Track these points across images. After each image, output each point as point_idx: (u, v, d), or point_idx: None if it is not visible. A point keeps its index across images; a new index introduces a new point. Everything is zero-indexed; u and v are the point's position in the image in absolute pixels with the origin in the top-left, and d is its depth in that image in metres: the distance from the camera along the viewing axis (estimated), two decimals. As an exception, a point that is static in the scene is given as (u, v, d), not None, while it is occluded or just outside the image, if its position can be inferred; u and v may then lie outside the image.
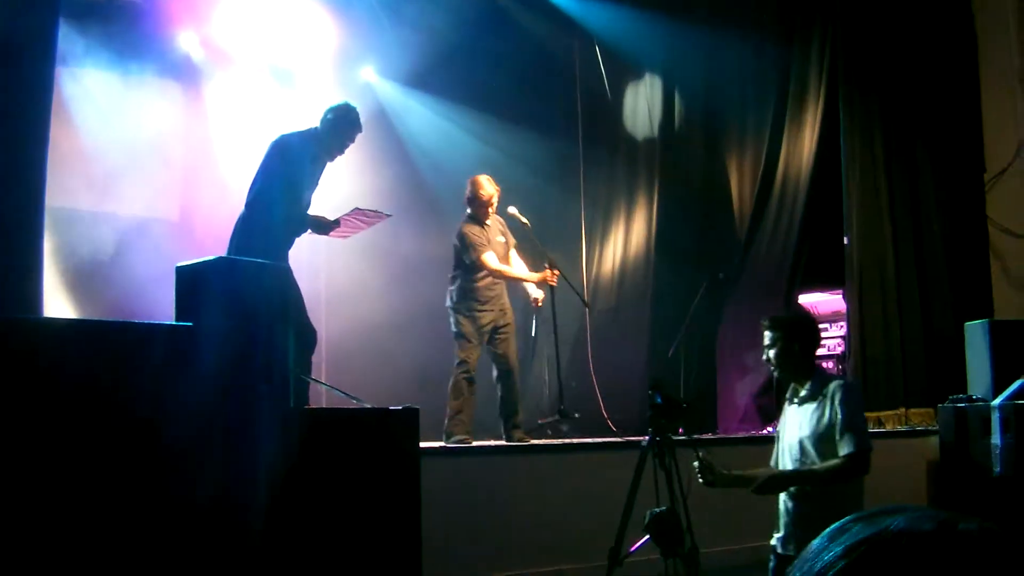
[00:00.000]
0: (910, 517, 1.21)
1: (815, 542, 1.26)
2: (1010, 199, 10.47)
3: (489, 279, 9.47)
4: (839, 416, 5.40)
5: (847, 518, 1.26)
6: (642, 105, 12.79)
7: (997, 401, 8.21)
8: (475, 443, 9.03)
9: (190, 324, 5.17)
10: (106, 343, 4.98)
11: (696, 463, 5.56)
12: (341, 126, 8.12)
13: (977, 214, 10.51)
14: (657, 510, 5.84)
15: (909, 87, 10.62)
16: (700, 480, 5.58)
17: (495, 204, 9.55)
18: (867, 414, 9.63)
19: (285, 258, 7.88)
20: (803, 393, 5.53)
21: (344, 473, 5.62)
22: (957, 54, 10.71)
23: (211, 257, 5.52)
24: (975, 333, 8.87)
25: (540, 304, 9.72)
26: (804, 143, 11.28)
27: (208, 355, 5.07)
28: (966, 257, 10.33)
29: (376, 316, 10.87)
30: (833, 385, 5.50)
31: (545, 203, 12.91)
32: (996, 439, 8.08)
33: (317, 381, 8.31)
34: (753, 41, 11.85)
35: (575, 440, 9.39)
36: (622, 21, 12.51)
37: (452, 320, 9.42)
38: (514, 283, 9.67)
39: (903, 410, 9.65)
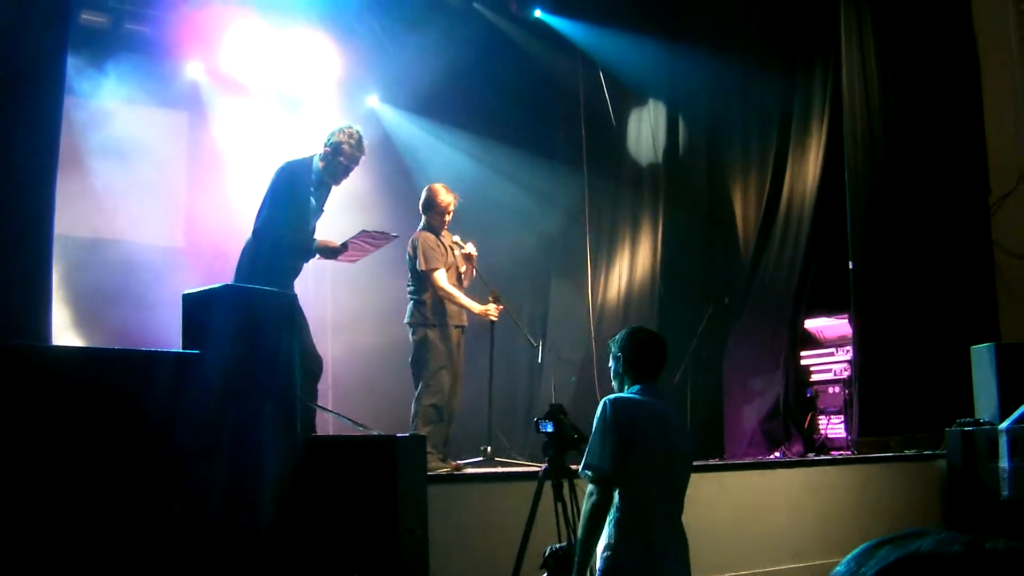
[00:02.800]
0: (937, 540, 1.21)
1: (839, 567, 1.25)
2: (1015, 222, 10.47)
3: (456, 288, 9.32)
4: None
5: (871, 542, 1.26)
6: (646, 131, 12.82)
7: (1004, 424, 8.21)
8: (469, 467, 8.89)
9: (197, 351, 5.19)
10: (114, 370, 4.99)
11: None
12: (345, 150, 8.11)
13: (982, 237, 10.51)
14: (556, 546, 5.70)
15: (912, 111, 10.63)
16: None
17: (451, 212, 9.39)
18: (874, 438, 9.75)
19: (291, 285, 7.89)
20: None
21: (350, 501, 5.61)
22: (960, 78, 10.73)
23: (218, 284, 5.53)
24: (981, 356, 8.87)
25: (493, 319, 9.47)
26: (808, 168, 11.29)
27: (214, 382, 5.08)
28: (971, 280, 10.33)
29: (383, 343, 10.87)
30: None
31: (550, 229, 12.96)
32: (1004, 463, 8.07)
33: (324, 408, 8.31)
34: (756, 67, 11.87)
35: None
36: (626, 48, 12.57)
37: (417, 338, 9.14)
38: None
39: (910, 434, 9.63)
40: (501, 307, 9.33)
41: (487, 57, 12.91)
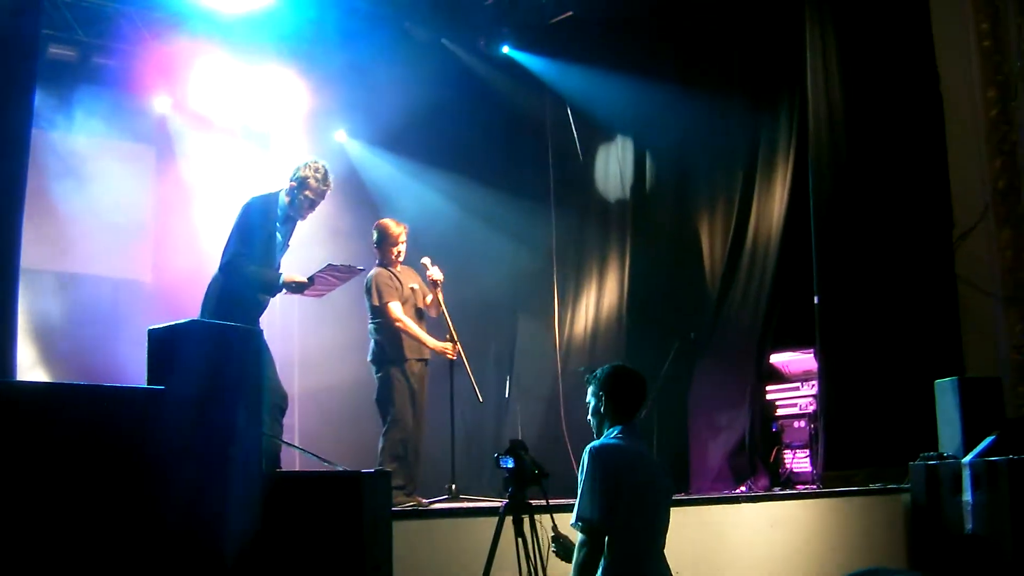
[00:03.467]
0: None
1: None
2: (979, 256, 10.54)
3: (418, 324, 9.31)
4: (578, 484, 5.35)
5: None
6: (613, 166, 12.89)
7: (968, 458, 8.25)
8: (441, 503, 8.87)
9: (162, 388, 5.16)
10: (78, 406, 4.95)
11: (552, 534, 5.57)
12: (311, 184, 8.10)
13: (946, 271, 10.57)
14: None
15: (877, 147, 10.70)
16: (553, 551, 5.59)
17: (403, 242, 9.39)
18: (839, 472, 9.78)
19: (257, 320, 7.88)
20: None
21: (315, 536, 5.59)
22: (924, 115, 10.81)
23: (184, 320, 5.51)
24: (945, 390, 8.91)
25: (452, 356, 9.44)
26: (774, 203, 11.35)
27: (179, 419, 5.06)
28: (936, 314, 10.37)
29: (349, 379, 10.85)
30: (584, 450, 5.41)
31: (517, 263, 12.99)
32: (968, 496, 8.11)
33: (290, 444, 8.29)
34: (723, 103, 11.95)
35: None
36: (593, 84, 12.66)
37: (380, 375, 9.17)
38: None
39: (875, 468, 9.66)
40: (458, 347, 9.34)
41: (455, 93, 12.96)
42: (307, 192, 8.09)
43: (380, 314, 9.14)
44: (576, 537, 5.37)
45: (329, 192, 8.28)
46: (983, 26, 10.84)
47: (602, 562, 5.21)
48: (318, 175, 8.14)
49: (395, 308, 9.12)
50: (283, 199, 8.11)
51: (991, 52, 10.79)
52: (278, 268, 8.07)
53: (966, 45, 10.90)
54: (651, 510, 5.41)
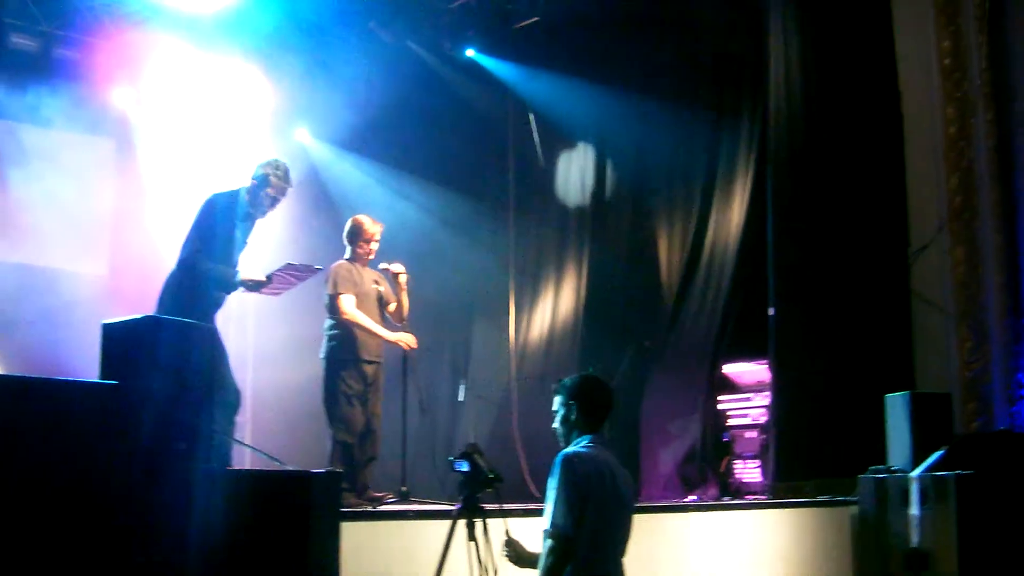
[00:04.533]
0: None
1: None
2: (933, 272, 10.64)
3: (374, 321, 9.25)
4: (549, 491, 5.38)
5: None
6: (574, 173, 12.92)
7: (916, 472, 8.31)
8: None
9: (115, 382, 5.15)
10: (29, 399, 4.94)
11: (504, 538, 5.60)
12: (272, 182, 8.07)
13: (901, 287, 10.67)
14: None
15: (836, 162, 10.77)
16: (505, 555, 5.62)
17: (376, 242, 9.38)
18: (789, 483, 9.83)
19: (213, 317, 7.84)
20: None
21: (264, 536, 5.58)
22: (884, 131, 10.90)
23: (139, 315, 5.50)
24: (896, 405, 8.98)
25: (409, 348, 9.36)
26: (732, 215, 11.41)
27: (132, 414, 5.05)
28: (889, 329, 10.45)
29: (303, 377, 10.78)
30: (557, 458, 5.42)
31: (475, 268, 13.00)
32: (915, 510, 8.18)
33: (240, 442, 8.26)
34: (685, 114, 12.01)
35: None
36: (556, 90, 12.68)
37: (329, 373, 9.05)
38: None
39: (824, 479, 9.72)
40: (414, 346, 9.27)
41: (419, 95, 12.96)
42: (268, 190, 8.06)
43: (334, 308, 9.08)
44: (542, 543, 5.38)
45: (290, 190, 8.26)
46: (944, 44, 10.94)
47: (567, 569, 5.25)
48: (279, 172, 8.12)
49: (346, 300, 8.99)
50: (244, 197, 8.07)
51: (951, 70, 10.89)
52: (236, 266, 8.04)
53: (927, 63, 11.00)
54: (616, 519, 5.44)
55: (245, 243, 8.17)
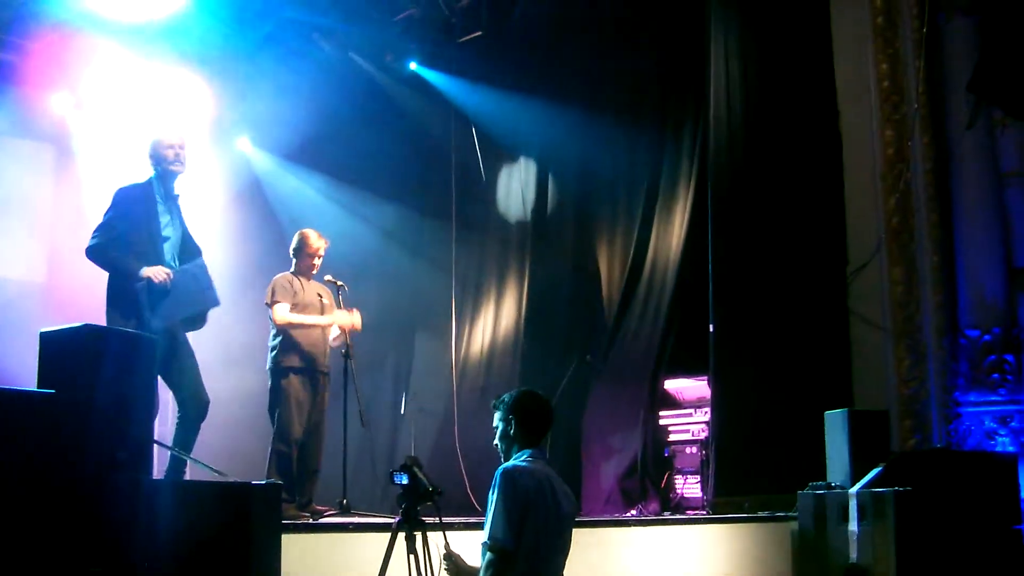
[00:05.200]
0: None
1: None
2: (871, 291, 10.75)
3: (317, 333, 9.24)
4: (489, 504, 5.42)
5: None
6: (516, 187, 12.92)
7: (855, 489, 8.37)
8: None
9: (51, 391, 5.08)
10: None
11: (443, 551, 5.60)
12: (161, 143, 8.06)
13: (839, 305, 10.76)
14: None
15: (776, 180, 10.85)
16: (444, 568, 5.62)
17: (320, 257, 9.36)
18: (729, 498, 9.88)
19: (146, 310, 7.71)
20: None
21: (204, 547, 5.52)
22: (824, 150, 11.01)
23: (77, 324, 5.43)
24: (835, 422, 9.05)
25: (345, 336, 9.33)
26: (673, 232, 11.48)
27: (70, 423, 4.98)
28: (828, 347, 10.54)
29: (247, 387, 10.71)
30: (497, 472, 5.47)
31: (416, 281, 12.98)
32: (853, 526, 8.23)
33: (181, 453, 8.15)
34: (628, 129, 12.06)
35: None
36: (499, 104, 12.70)
37: (272, 383, 9.07)
38: (307, 331, 9.16)
39: (764, 495, 9.76)
40: (356, 326, 9.25)
41: (361, 107, 12.92)
42: (163, 152, 8.02)
43: (272, 317, 9.07)
44: (481, 556, 5.37)
45: (182, 144, 8.16)
46: (883, 67, 11.07)
47: None
48: (161, 133, 8.15)
49: (279, 308, 9.00)
50: (156, 183, 8.02)
51: (890, 92, 11.03)
52: (164, 257, 7.88)
53: (866, 85, 11.13)
54: (556, 533, 5.47)
55: (178, 225, 8.07)
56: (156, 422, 7.87)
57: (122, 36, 11.40)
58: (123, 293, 7.62)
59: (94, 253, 7.75)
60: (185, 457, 8.27)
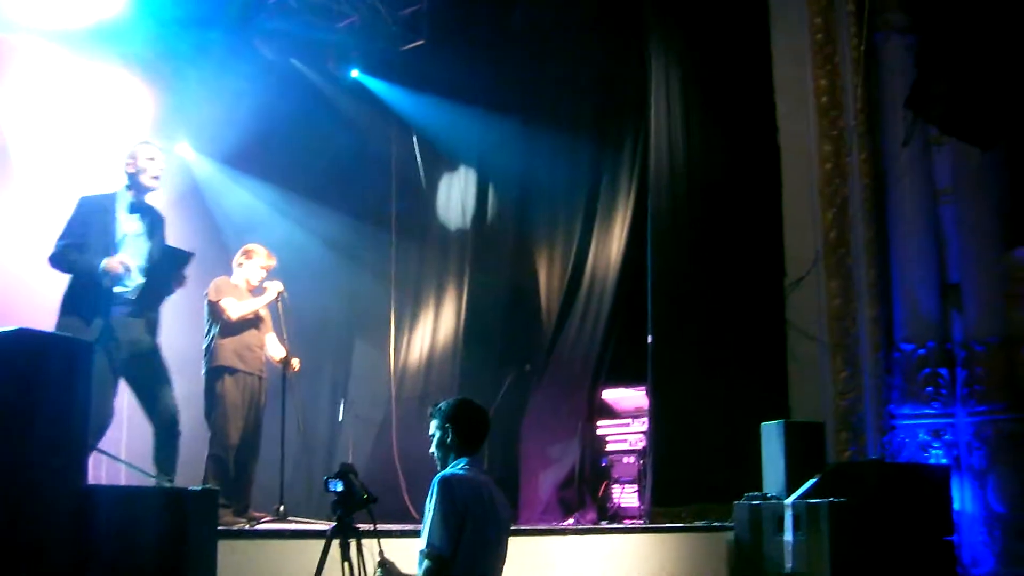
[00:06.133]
0: None
1: None
2: (808, 304, 10.85)
3: (253, 335, 9.21)
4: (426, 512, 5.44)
5: None
6: (456, 196, 12.93)
7: (790, 499, 8.45)
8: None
9: (-18, 397, 5.01)
10: None
11: (378, 559, 5.61)
12: (138, 155, 8.08)
13: (777, 318, 10.84)
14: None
15: (716, 193, 10.94)
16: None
17: (266, 272, 9.34)
18: (666, 508, 9.92)
19: (102, 315, 7.70)
20: None
21: (137, 554, 5.46)
22: (762, 163, 11.10)
23: (8, 328, 5.34)
24: (771, 433, 9.12)
25: (290, 366, 9.31)
26: (613, 242, 11.52)
27: (3, 428, 4.91)
28: (765, 359, 10.62)
29: (181, 392, 10.60)
30: (434, 480, 5.49)
31: (355, 288, 12.94)
32: (788, 536, 8.31)
33: (115, 458, 8.09)
34: (568, 138, 12.11)
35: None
36: (440, 113, 12.71)
37: (208, 385, 8.99)
38: (242, 334, 9.12)
39: (701, 505, 9.82)
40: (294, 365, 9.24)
41: (302, 113, 12.84)
42: (142, 163, 8.04)
43: (216, 317, 8.99)
44: (418, 564, 5.36)
45: (159, 162, 8.19)
46: (821, 82, 11.22)
47: None
48: (143, 145, 8.22)
49: (229, 303, 8.97)
50: (126, 193, 8.00)
51: (828, 107, 11.18)
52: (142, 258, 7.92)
53: (805, 99, 11.27)
54: (494, 541, 5.50)
55: (149, 237, 8.07)
56: (113, 430, 7.91)
57: (60, 39, 11.25)
58: (82, 300, 7.64)
59: (55, 260, 7.76)
60: (122, 463, 8.22)
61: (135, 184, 8.04)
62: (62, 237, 7.78)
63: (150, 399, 7.90)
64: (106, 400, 7.67)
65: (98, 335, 7.58)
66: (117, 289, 7.74)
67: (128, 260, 7.75)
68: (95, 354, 7.52)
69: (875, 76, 11.13)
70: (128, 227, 7.96)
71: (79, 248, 7.72)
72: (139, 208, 8.05)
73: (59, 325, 7.57)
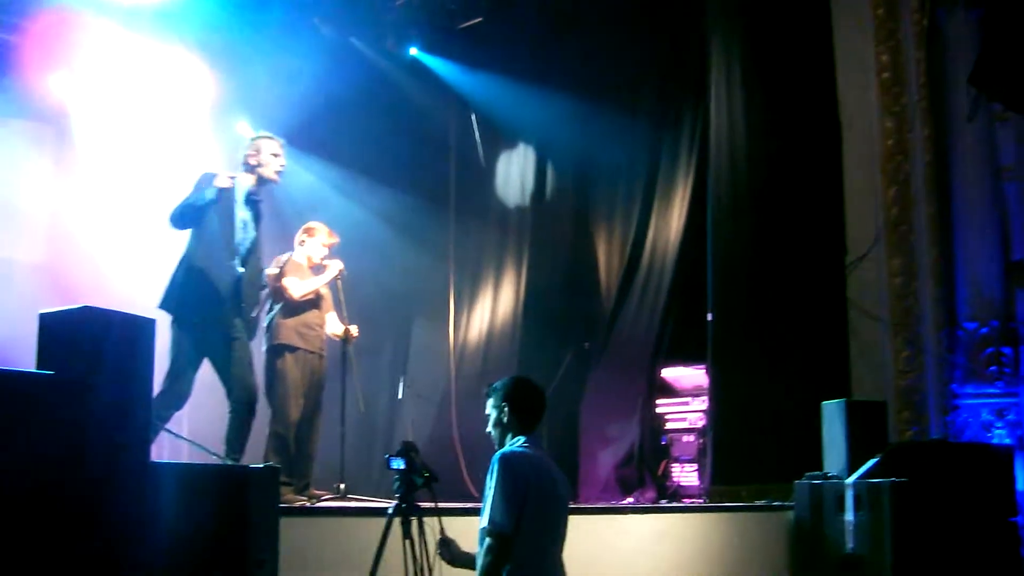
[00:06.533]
0: None
1: None
2: (869, 281, 10.74)
3: (313, 314, 9.26)
4: (486, 490, 5.43)
5: None
6: (515, 174, 12.92)
7: (851, 479, 8.39)
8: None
9: (51, 372, 5.06)
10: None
11: (439, 537, 5.61)
12: (252, 152, 8.32)
13: (838, 295, 10.75)
14: None
15: (776, 169, 10.85)
16: (439, 554, 5.63)
17: (327, 249, 9.42)
18: (726, 487, 9.88)
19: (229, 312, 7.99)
20: None
21: (201, 530, 5.51)
22: (823, 139, 10.99)
23: (76, 306, 5.40)
24: (832, 412, 9.04)
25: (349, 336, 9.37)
26: (673, 219, 11.48)
27: (69, 405, 4.97)
28: (826, 337, 10.53)
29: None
30: (494, 457, 5.49)
31: (415, 266, 12.95)
32: (850, 516, 8.25)
33: (178, 435, 8.19)
34: (627, 115, 12.05)
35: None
36: (499, 91, 12.69)
37: (268, 364, 9.07)
38: (305, 313, 9.20)
39: (760, 485, 9.77)
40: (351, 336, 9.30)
41: (361, 92, 12.88)
42: (267, 158, 8.32)
43: (278, 296, 9.05)
44: (479, 542, 5.38)
45: (282, 158, 8.47)
46: (883, 58, 11.07)
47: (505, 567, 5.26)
48: (268, 139, 8.45)
49: (292, 283, 9.04)
50: (246, 179, 8.25)
51: (890, 83, 11.02)
52: (245, 251, 8.19)
53: (866, 75, 11.12)
54: (553, 518, 5.50)
55: (248, 228, 8.26)
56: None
57: (123, 17, 11.37)
58: (192, 281, 7.93)
59: (178, 218, 7.99)
60: (185, 440, 8.31)
61: (254, 174, 8.24)
62: (186, 199, 7.98)
63: (233, 379, 8.05)
64: (188, 377, 7.84)
65: (201, 316, 7.83)
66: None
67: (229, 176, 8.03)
68: (185, 332, 7.77)
69: (938, 51, 10.97)
70: (240, 212, 8.15)
71: (201, 211, 7.95)
72: (253, 199, 8.21)
73: (165, 300, 7.88)
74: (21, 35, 11.46)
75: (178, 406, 7.84)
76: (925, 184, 10.76)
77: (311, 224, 9.47)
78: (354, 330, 9.30)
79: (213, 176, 8.01)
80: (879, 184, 10.90)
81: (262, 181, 8.23)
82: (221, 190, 7.90)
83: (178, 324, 7.89)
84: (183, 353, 7.86)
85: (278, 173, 8.35)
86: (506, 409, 5.65)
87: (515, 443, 5.58)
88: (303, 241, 9.37)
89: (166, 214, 7.95)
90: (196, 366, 7.96)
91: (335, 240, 9.42)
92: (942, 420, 10.33)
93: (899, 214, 10.82)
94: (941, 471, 8.48)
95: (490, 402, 5.76)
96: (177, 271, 7.99)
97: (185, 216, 7.95)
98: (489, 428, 5.77)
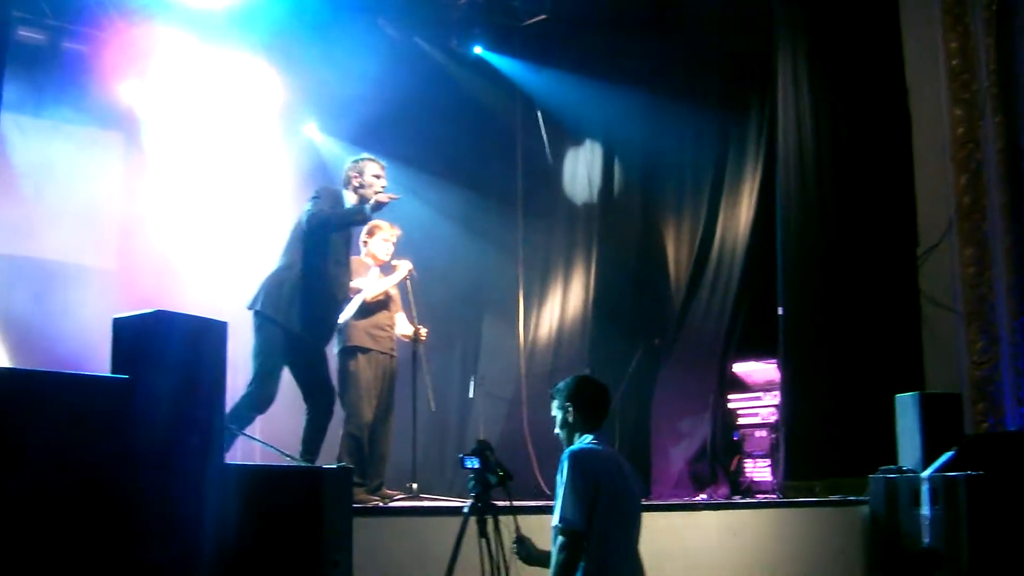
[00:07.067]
0: None
1: None
2: (942, 273, 10.62)
3: (384, 315, 9.29)
4: (558, 488, 5.43)
5: None
6: (581, 170, 12.90)
7: (927, 473, 8.30)
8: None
9: (126, 377, 5.12)
10: (38, 393, 4.90)
11: (514, 535, 5.61)
12: (356, 173, 8.54)
13: (910, 287, 10.64)
14: None
15: (844, 160, 10.78)
16: (515, 553, 5.63)
17: (391, 245, 9.46)
18: (800, 482, 9.82)
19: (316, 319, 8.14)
20: None
21: (276, 531, 5.56)
22: (891, 130, 10.89)
23: (149, 310, 5.46)
24: (906, 405, 8.97)
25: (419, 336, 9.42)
26: (741, 213, 11.42)
27: (143, 408, 5.02)
28: (898, 329, 10.44)
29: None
30: (564, 455, 5.49)
31: (483, 264, 12.98)
32: (925, 510, 8.17)
33: (251, 437, 8.26)
34: (693, 110, 11.99)
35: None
36: (564, 87, 12.68)
37: (341, 365, 9.09)
38: (376, 314, 9.25)
39: (834, 479, 9.70)
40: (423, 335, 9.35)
41: (426, 91, 12.93)
42: (370, 180, 8.51)
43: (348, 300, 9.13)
44: (552, 540, 5.40)
45: (384, 180, 8.64)
46: (952, 45, 10.93)
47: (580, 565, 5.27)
48: (372, 161, 8.66)
49: (361, 285, 9.09)
50: (350, 198, 8.44)
51: (960, 71, 10.88)
52: (342, 266, 8.43)
53: (935, 63, 10.99)
54: (626, 514, 5.51)
55: (342, 244, 8.43)
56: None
57: (190, 24, 11.49)
58: (304, 288, 8.05)
59: (316, 218, 8.10)
60: (257, 441, 8.39)
61: (356, 195, 8.42)
62: (347, 212, 8.28)
63: (314, 382, 8.22)
64: (276, 380, 7.95)
65: (306, 322, 8.01)
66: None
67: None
68: (282, 336, 7.86)
69: (1009, 37, 10.81)
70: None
71: (348, 225, 8.34)
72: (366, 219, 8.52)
73: (264, 303, 8.00)
74: (92, 44, 11.60)
75: (262, 409, 7.92)
76: (998, 171, 10.60)
77: (371, 222, 9.52)
78: (423, 331, 9.34)
79: (337, 192, 8.30)
80: (950, 173, 10.76)
81: (377, 206, 8.25)
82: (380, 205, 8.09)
83: (275, 327, 7.95)
84: (275, 356, 7.94)
85: (380, 191, 8.45)
86: (570, 409, 5.66)
87: (583, 441, 5.58)
88: (366, 241, 9.41)
89: (311, 217, 8.05)
90: (281, 369, 8.04)
91: (397, 232, 9.45)
92: (1018, 411, 10.18)
93: (971, 203, 10.68)
94: (1018, 463, 8.37)
95: (555, 404, 5.78)
96: (282, 276, 8.07)
97: (332, 226, 8.13)
98: (556, 429, 5.78)
